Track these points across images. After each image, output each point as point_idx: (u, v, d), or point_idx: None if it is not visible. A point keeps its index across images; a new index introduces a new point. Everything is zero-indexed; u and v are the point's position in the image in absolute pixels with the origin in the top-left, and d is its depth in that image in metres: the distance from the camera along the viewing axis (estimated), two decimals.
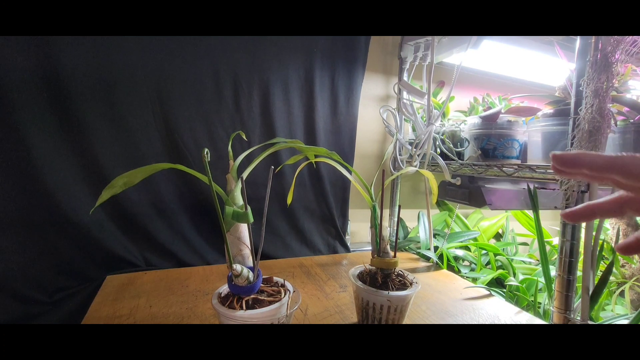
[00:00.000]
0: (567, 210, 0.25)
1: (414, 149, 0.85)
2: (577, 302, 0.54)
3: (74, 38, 0.64)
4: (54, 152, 0.66)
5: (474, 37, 0.76)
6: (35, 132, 0.63)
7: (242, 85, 0.80)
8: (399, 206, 0.58)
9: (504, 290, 0.77)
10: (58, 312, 0.66)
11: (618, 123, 0.57)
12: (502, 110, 0.74)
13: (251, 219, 0.41)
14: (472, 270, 0.92)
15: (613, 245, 0.84)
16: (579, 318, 0.53)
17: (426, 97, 0.82)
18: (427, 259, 0.90)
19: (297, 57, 0.85)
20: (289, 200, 0.60)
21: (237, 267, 0.40)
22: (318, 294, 0.65)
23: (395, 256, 0.53)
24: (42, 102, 0.64)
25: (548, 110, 0.67)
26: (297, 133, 0.88)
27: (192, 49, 0.74)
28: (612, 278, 0.82)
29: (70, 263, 0.69)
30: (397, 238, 0.54)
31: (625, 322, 0.64)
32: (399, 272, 0.54)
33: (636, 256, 0.87)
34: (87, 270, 0.70)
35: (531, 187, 0.68)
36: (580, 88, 0.51)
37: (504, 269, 0.88)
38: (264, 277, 0.46)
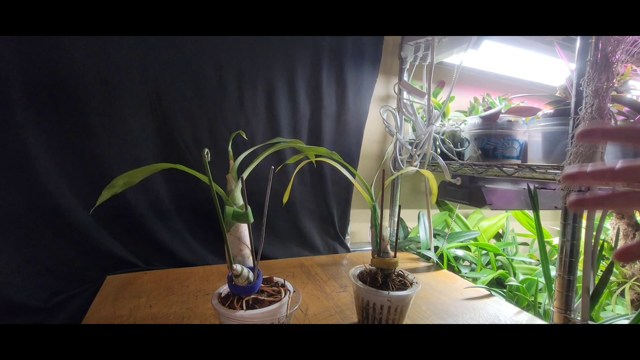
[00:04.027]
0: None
1: (414, 149, 0.85)
2: (577, 302, 0.54)
3: (71, 36, 0.64)
4: (52, 152, 0.65)
5: (474, 37, 0.76)
6: (33, 131, 0.63)
7: (246, 80, 0.78)
8: (399, 206, 0.58)
9: (504, 290, 0.77)
10: (58, 314, 0.65)
11: (618, 123, 0.57)
12: (503, 110, 0.74)
13: (251, 219, 0.41)
14: (473, 270, 0.92)
15: (613, 245, 0.84)
16: (579, 318, 0.53)
17: (426, 97, 0.82)
18: (428, 259, 0.90)
19: (304, 51, 0.83)
20: (285, 199, 0.60)
21: (237, 267, 0.40)
22: (318, 294, 0.65)
23: (395, 256, 0.53)
24: (40, 101, 0.63)
25: (548, 110, 0.67)
26: (303, 131, 0.87)
27: (193, 43, 0.73)
28: (612, 278, 0.82)
29: (70, 264, 0.68)
30: (397, 238, 0.54)
31: (626, 322, 0.64)
32: (399, 272, 0.54)
33: None
34: (87, 272, 0.70)
35: (531, 187, 0.68)
36: (581, 88, 0.51)
37: (504, 269, 0.88)
38: (264, 277, 0.46)
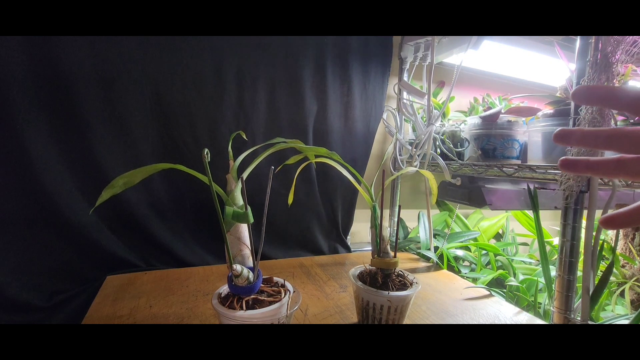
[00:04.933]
0: (567, 158, 0.24)
1: (414, 149, 0.85)
2: (577, 303, 0.54)
3: (72, 36, 0.64)
4: (52, 152, 0.65)
5: (474, 37, 0.76)
6: (33, 132, 0.63)
7: (247, 78, 0.78)
8: (399, 206, 0.58)
9: (504, 290, 0.77)
10: (58, 314, 0.65)
11: (618, 123, 0.57)
12: (502, 111, 0.74)
13: (251, 219, 0.41)
14: (472, 270, 0.92)
15: (613, 245, 0.84)
16: (579, 318, 0.53)
17: (426, 97, 0.82)
18: (427, 259, 0.90)
19: (308, 51, 0.82)
20: (290, 200, 0.60)
21: (237, 267, 0.40)
22: (318, 294, 0.65)
23: (395, 256, 0.53)
24: (40, 101, 0.63)
25: (548, 110, 0.67)
26: (308, 130, 0.86)
27: (193, 41, 0.72)
28: (612, 278, 0.82)
29: (69, 264, 0.68)
30: (397, 238, 0.54)
31: (626, 322, 0.64)
32: (399, 272, 0.54)
33: (637, 256, 0.87)
34: (87, 271, 0.70)
35: (531, 187, 0.68)
36: None
37: (504, 269, 0.88)
38: (264, 277, 0.46)
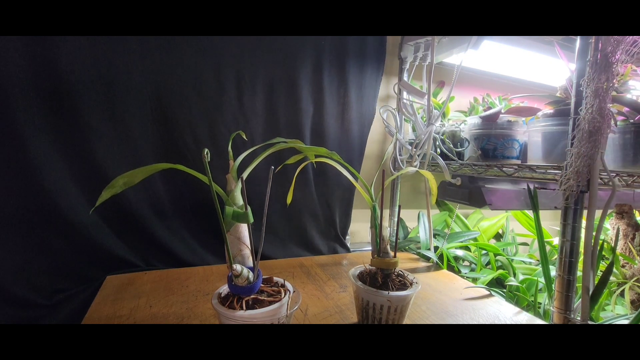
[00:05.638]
0: None
1: (414, 149, 0.85)
2: (577, 302, 0.54)
3: (72, 36, 0.64)
4: (52, 152, 0.65)
5: (474, 37, 0.76)
6: (33, 132, 0.63)
7: (246, 79, 0.78)
8: (399, 206, 0.58)
9: (504, 290, 0.77)
10: (58, 314, 0.65)
11: (618, 123, 0.57)
12: (502, 110, 0.74)
13: (251, 219, 0.41)
14: (472, 270, 0.92)
15: (613, 245, 0.84)
16: (579, 318, 0.53)
17: (426, 97, 0.82)
18: (427, 259, 0.90)
19: (305, 51, 0.83)
20: (289, 200, 0.60)
21: (237, 267, 0.40)
22: (318, 294, 0.65)
23: (395, 256, 0.53)
24: (40, 101, 0.63)
25: (548, 110, 0.67)
26: (305, 131, 0.87)
27: (192, 43, 0.73)
28: (612, 278, 0.82)
29: (70, 264, 0.68)
30: (397, 238, 0.54)
31: (626, 322, 0.64)
32: (399, 272, 0.54)
33: (637, 256, 0.87)
34: (87, 271, 0.70)
35: (531, 187, 0.68)
36: (581, 88, 0.51)
37: (504, 269, 0.88)
38: (264, 277, 0.46)
